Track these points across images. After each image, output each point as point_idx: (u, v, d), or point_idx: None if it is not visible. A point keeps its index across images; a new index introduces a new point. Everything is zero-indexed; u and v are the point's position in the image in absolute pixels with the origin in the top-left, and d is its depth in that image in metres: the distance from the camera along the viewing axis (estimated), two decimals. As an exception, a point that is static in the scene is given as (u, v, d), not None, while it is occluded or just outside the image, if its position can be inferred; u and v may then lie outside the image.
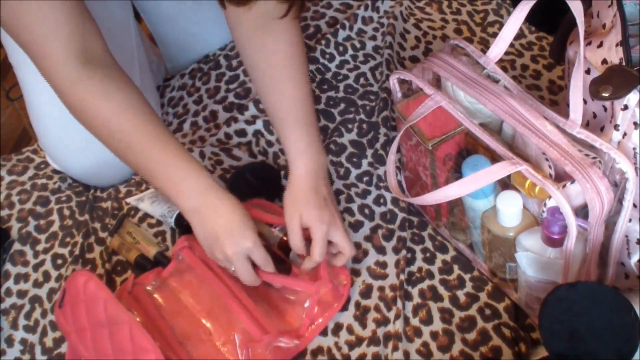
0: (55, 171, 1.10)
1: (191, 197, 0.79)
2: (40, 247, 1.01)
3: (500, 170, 0.68)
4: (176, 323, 0.85)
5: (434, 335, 0.83)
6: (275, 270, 0.83)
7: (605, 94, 0.63)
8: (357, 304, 0.87)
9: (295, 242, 0.83)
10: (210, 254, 0.82)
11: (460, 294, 0.86)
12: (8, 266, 0.99)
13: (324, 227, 0.82)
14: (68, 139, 1.02)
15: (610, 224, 0.70)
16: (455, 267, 0.89)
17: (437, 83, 0.82)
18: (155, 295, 0.88)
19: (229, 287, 0.84)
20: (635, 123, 0.63)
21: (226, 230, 0.78)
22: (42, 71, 0.77)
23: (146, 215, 1.01)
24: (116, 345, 0.76)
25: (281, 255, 0.87)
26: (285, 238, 0.87)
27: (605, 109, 0.67)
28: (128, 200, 1.03)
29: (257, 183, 0.99)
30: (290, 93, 0.86)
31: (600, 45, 0.66)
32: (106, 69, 0.79)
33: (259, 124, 1.07)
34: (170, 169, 0.79)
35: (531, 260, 0.72)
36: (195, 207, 0.79)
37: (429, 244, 0.92)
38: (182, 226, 0.95)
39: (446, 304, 0.86)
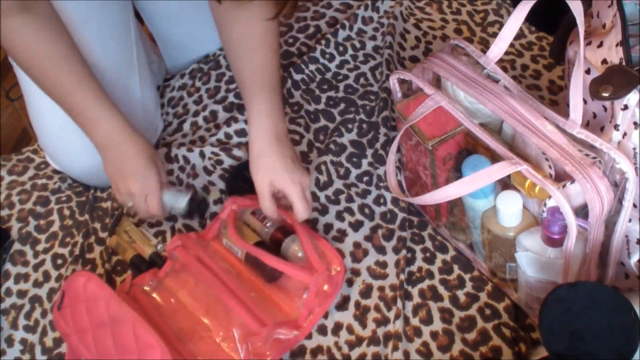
0: (55, 171, 1.10)
1: (104, 134, 0.89)
2: (40, 247, 1.01)
3: (500, 170, 0.68)
4: (175, 322, 0.86)
5: (434, 335, 0.83)
6: (162, 213, 0.93)
7: (605, 94, 0.63)
8: (357, 304, 0.87)
9: (265, 204, 0.87)
10: (114, 187, 0.93)
11: (460, 294, 0.86)
12: (8, 266, 0.99)
13: (297, 186, 0.86)
14: (68, 139, 1.02)
15: (610, 224, 0.70)
16: (455, 267, 0.89)
17: (437, 83, 0.82)
18: (154, 295, 0.89)
19: (225, 283, 0.85)
20: (635, 123, 0.63)
21: (133, 169, 0.90)
22: None
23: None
24: (119, 344, 0.76)
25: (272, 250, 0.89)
26: (277, 233, 0.89)
27: (605, 109, 0.67)
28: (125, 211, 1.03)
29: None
30: (257, 62, 0.89)
31: (600, 45, 0.66)
32: (41, 15, 0.83)
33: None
34: (88, 107, 0.88)
35: (531, 260, 0.72)
36: (106, 143, 0.90)
37: (429, 244, 0.92)
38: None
39: (446, 303, 0.86)
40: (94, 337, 0.78)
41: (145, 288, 0.89)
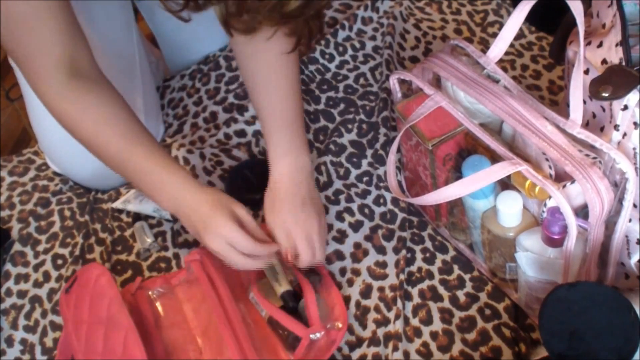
0: (56, 173, 1.11)
1: (170, 199, 0.82)
2: (40, 248, 1.01)
3: (500, 171, 0.68)
4: (169, 335, 0.85)
5: (434, 335, 0.83)
6: (259, 249, 0.80)
7: (605, 94, 0.63)
8: (357, 304, 0.87)
9: (281, 240, 0.83)
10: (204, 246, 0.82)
11: (460, 294, 0.86)
12: (8, 266, 0.99)
13: (301, 229, 0.83)
14: (68, 143, 1.02)
15: (610, 224, 0.70)
16: (455, 267, 0.89)
17: (437, 83, 0.82)
18: (157, 304, 0.88)
19: (227, 313, 0.81)
20: (635, 123, 0.63)
21: (204, 225, 0.79)
22: (31, 84, 0.79)
23: (146, 217, 1.01)
24: (108, 346, 0.76)
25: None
26: (295, 288, 0.85)
27: (604, 110, 0.67)
28: (114, 205, 1.03)
29: (255, 179, 0.99)
30: (276, 97, 0.87)
31: (600, 45, 0.66)
32: (91, 82, 0.81)
33: (258, 125, 1.07)
34: (149, 175, 0.81)
35: (531, 260, 0.72)
36: (175, 208, 0.82)
37: (428, 244, 0.92)
38: None
39: (446, 304, 0.86)
40: (87, 331, 0.78)
41: (150, 293, 0.88)
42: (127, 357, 0.74)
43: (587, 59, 0.67)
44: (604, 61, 0.65)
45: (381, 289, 0.88)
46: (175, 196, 0.81)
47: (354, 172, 1.01)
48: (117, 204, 1.02)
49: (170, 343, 0.84)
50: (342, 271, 0.90)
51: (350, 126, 1.05)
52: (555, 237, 0.68)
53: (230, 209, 0.79)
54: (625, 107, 0.63)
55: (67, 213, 1.04)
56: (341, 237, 0.94)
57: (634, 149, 0.65)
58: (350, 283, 0.89)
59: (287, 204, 0.84)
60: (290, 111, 0.88)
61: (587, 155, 0.66)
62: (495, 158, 0.72)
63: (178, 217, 0.82)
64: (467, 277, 0.88)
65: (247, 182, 0.98)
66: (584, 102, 0.69)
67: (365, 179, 1.00)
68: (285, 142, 0.87)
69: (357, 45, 1.17)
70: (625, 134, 0.65)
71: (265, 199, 0.86)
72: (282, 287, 0.84)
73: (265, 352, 0.83)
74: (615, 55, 0.64)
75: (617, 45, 0.64)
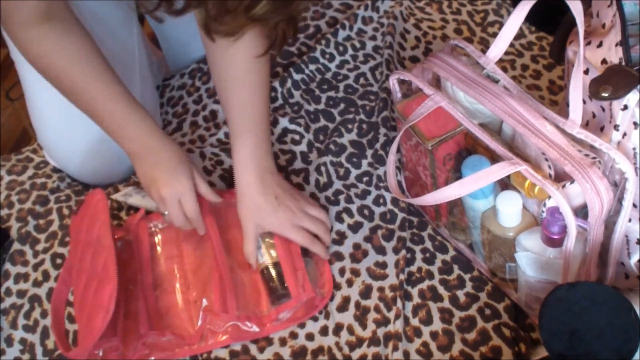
0: (54, 170, 1.10)
1: (133, 141, 0.86)
2: (39, 247, 1.01)
3: (500, 171, 0.68)
4: (159, 268, 0.92)
5: (433, 335, 0.83)
6: (198, 222, 0.88)
7: (605, 94, 0.63)
8: (357, 304, 0.87)
9: (249, 248, 0.88)
10: (148, 194, 0.88)
11: (460, 294, 0.86)
12: (8, 266, 0.99)
13: (285, 224, 0.86)
14: (67, 136, 1.02)
15: (610, 224, 0.70)
16: (455, 267, 0.89)
17: (437, 83, 0.82)
18: (157, 236, 0.94)
19: (217, 257, 0.88)
20: (635, 123, 0.63)
21: (162, 174, 0.85)
22: (5, 27, 0.81)
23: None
24: (93, 265, 0.82)
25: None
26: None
27: (604, 109, 0.67)
28: (114, 196, 1.02)
29: None
30: (242, 98, 0.88)
31: (600, 45, 0.66)
32: (63, 24, 0.82)
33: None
34: (116, 115, 0.85)
35: (531, 260, 0.72)
36: (136, 150, 0.86)
37: (428, 244, 0.92)
38: None
39: (446, 304, 0.86)
40: (81, 251, 0.84)
41: (150, 226, 0.94)
42: (103, 276, 0.79)
43: (587, 59, 0.67)
44: (603, 61, 0.65)
45: (381, 289, 0.88)
46: (139, 139, 0.86)
47: (354, 172, 1.01)
48: (117, 196, 1.02)
49: (161, 275, 0.91)
50: (342, 271, 0.90)
51: (350, 126, 1.05)
52: (555, 237, 0.68)
53: (191, 169, 0.87)
54: (625, 107, 0.63)
55: (66, 211, 1.04)
56: (340, 237, 0.94)
57: (634, 149, 0.65)
58: (350, 283, 0.89)
59: (263, 203, 0.87)
60: (258, 113, 0.89)
61: (587, 155, 0.66)
62: (495, 158, 0.72)
63: (132, 158, 0.87)
64: (467, 277, 0.88)
65: None
66: (584, 102, 0.69)
67: (365, 179, 1.00)
68: (250, 146, 0.88)
69: (358, 45, 1.17)
70: (625, 134, 0.65)
71: (238, 204, 0.89)
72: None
73: (248, 298, 0.88)
74: (615, 55, 0.64)
75: (617, 45, 0.64)
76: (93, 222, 0.85)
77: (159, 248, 0.94)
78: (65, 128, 1.01)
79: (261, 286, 0.89)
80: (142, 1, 0.65)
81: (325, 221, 0.91)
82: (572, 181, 0.65)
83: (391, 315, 0.85)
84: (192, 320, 0.87)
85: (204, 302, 0.87)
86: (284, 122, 1.06)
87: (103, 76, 0.84)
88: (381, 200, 0.97)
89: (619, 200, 0.67)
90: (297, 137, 1.05)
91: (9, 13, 0.77)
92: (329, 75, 1.14)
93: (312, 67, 1.14)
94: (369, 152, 1.02)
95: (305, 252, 0.90)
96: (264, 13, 0.59)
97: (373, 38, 1.18)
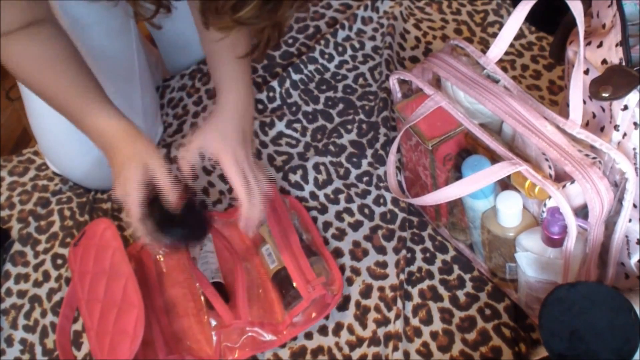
0: (56, 173, 1.10)
1: (98, 139, 0.83)
2: (40, 248, 1.01)
3: (500, 171, 0.68)
4: (172, 291, 0.90)
5: (434, 335, 0.83)
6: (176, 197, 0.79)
7: (605, 94, 0.63)
8: (358, 304, 0.87)
9: (184, 153, 0.83)
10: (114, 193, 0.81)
11: (460, 294, 0.86)
12: (8, 266, 0.99)
13: (231, 156, 0.80)
14: (68, 144, 1.02)
15: (610, 224, 0.70)
16: (455, 267, 0.89)
17: (437, 83, 0.82)
18: (162, 262, 0.92)
19: (236, 265, 0.87)
20: (635, 123, 0.63)
21: (119, 172, 0.79)
22: None
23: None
24: (109, 294, 0.80)
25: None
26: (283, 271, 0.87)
27: (604, 110, 0.67)
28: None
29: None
30: (231, 61, 0.85)
31: (600, 45, 0.66)
32: (39, 24, 0.80)
33: (255, 125, 1.07)
34: (84, 114, 0.82)
35: (531, 261, 0.72)
36: (102, 148, 0.83)
37: (429, 244, 0.92)
38: None
39: (446, 304, 0.86)
40: (91, 281, 0.83)
41: (153, 254, 0.93)
42: (125, 303, 0.78)
43: (587, 59, 0.67)
44: (604, 61, 0.65)
45: (381, 289, 0.88)
46: (104, 137, 0.82)
47: (354, 172, 1.01)
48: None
49: (171, 299, 0.89)
50: (341, 270, 0.90)
51: (349, 126, 1.05)
52: (555, 237, 0.68)
53: (146, 165, 0.78)
54: (625, 107, 0.63)
55: (67, 213, 1.04)
56: (340, 236, 0.94)
57: (634, 149, 0.65)
58: (350, 283, 0.89)
59: (231, 132, 0.82)
60: (245, 69, 0.86)
61: (587, 155, 0.66)
62: (495, 158, 0.72)
63: (106, 157, 0.83)
64: (467, 277, 0.88)
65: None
66: (584, 102, 0.69)
67: (365, 179, 1.00)
68: (235, 77, 0.85)
69: (357, 45, 1.17)
70: (625, 134, 0.65)
71: (211, 121, 0.83)
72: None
73: (261, 307, 0.87)
74: (615, 56, 0.64)
75: (617, 45, 0.64)
76: (103, 251, 0.84)
77: (165, 270, 0.93)
78: (65, 135, 1.01)
79: (273, 295, 0.88)
80: (139, 8, 0.65)
81: (260, 196, 0.82)
82: (573, 181, 0.65)
83: (391, 315, 0.85)
84: (209, 342, 0.85)
85: (212, 322, 0.85)
86: (280, 126, 1.06)
87: (72, 75, 0.83)
88: (381, 200, 0.97)
89: (619, 201, 0.67)
90: (293, 141, 1.05)
91: None
92: (327, 75, 1.14)
93: (311, 67, 1.14)
94: (369, 152, 1.02)
95: (311, 251, 0.89)
96: (249, 17, 0.58)
97: (372, 38, 1.18)
